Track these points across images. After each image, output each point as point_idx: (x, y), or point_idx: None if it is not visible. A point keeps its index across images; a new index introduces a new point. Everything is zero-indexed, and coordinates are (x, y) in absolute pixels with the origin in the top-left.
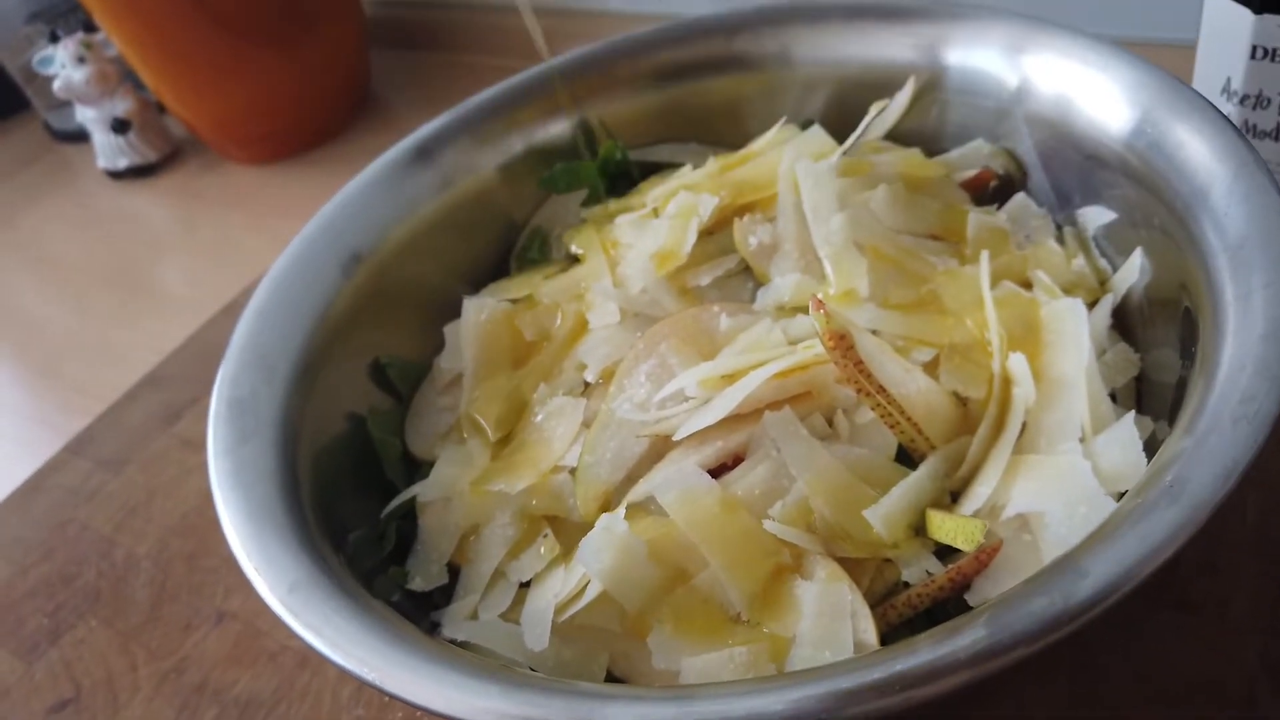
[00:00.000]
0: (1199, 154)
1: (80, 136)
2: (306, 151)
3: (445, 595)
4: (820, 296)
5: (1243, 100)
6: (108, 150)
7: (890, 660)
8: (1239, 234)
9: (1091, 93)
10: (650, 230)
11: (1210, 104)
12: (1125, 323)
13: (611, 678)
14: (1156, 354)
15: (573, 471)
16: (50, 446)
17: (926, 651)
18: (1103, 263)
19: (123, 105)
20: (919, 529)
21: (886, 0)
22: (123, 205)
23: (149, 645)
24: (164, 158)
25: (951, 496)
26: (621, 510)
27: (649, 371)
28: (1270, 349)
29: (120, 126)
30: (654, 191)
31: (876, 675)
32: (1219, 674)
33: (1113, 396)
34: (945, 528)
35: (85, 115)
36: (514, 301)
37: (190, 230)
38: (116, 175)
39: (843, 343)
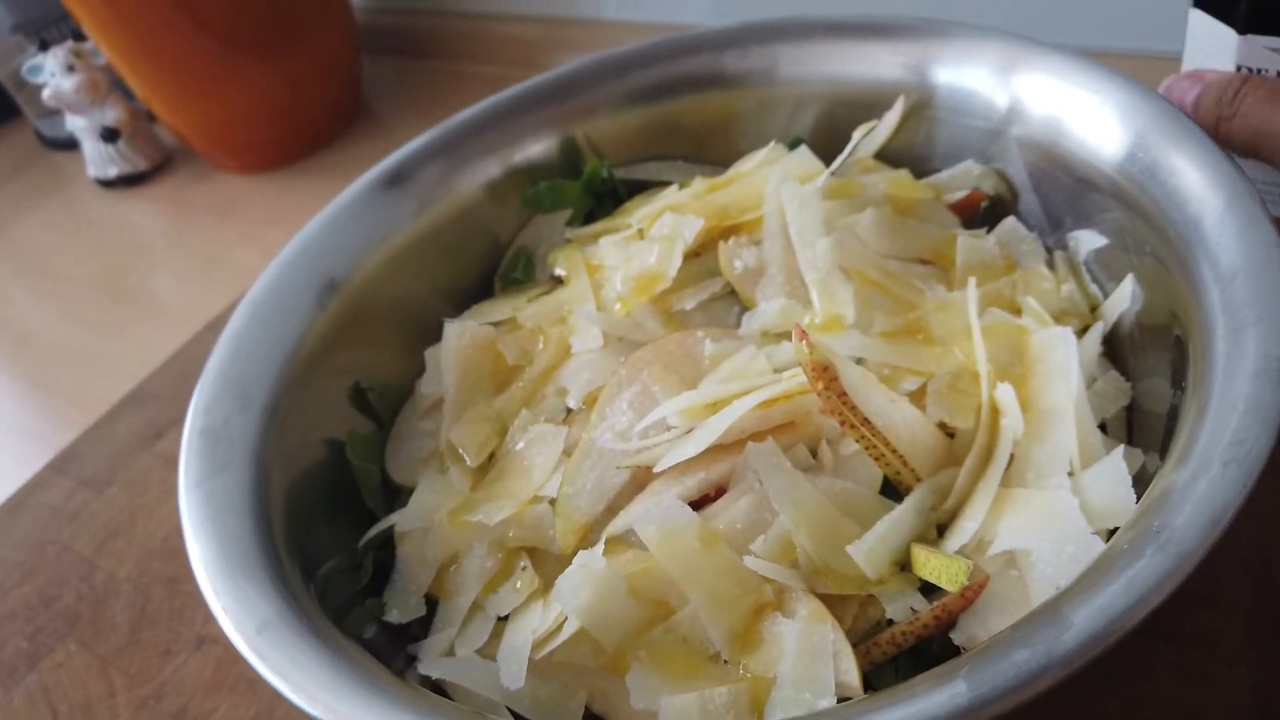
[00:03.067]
0: (1192, 182)
1: (71, 144)
2: (298, 160)
3: (424, 625)
4: (804, 325)
5: None
6: (98, 159)
7: (868, 716)
8: (1231, 266)
9: (1083, 115)
10: (634, 252)
11: (1203, 132)
12: (1116, 350)
13: (590, 715)
14: (1148, 382)
15: (553, 502)
16: (39, 460)
17: (905, 707)
18: (1093, 288)
19: (112, 114)
20: (904, 564)
21: (875, 17)
22: (113, 214)
23: (128, 671)
24: (155, 166)
25: (939, 529)
26: (600, 546)
27: (631, 399)
28: (1261, 388)
29: (110, 135)
30: (639, 211)
31: None
32: (1210, 709)
33: (1103, 426)
34: (930, 566)
35: (75, 124)
36: (496, 324)
37: (181, 239)
38: (107, 184)
39: (826, 374)
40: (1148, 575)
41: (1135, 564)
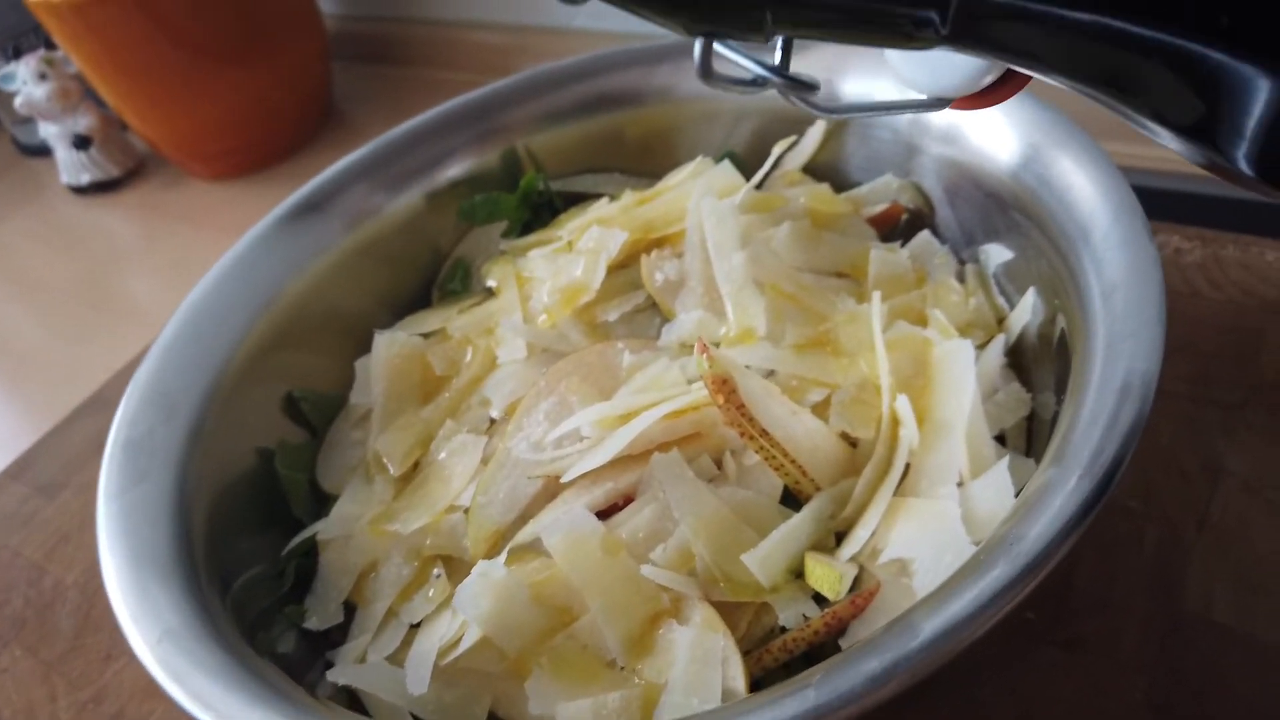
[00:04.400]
0: (1083, 193)
1: (46, 151)
2: (269, 167)
3: (347, 632)
4: (719, 337)
5: None
6: (70, 166)
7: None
8: (1112, 280)
9: (979, 125)
10: (562, 264)
11: (1094, 143)
12: (1021, 361)
13: (495, 719)
14: (1048, 394)
15: (467, 511)
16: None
17: (755, 714)
18: (1001, 301)
19: (84, 121)
20: (801, 572)
21: None
22: (86, 220)
23: (69, 675)
24: (127, 173)
25: (840, 538)
26: (503, 555)
27: (548, 410)
28: (1123, 405)
29: (82, 143)
30: (570, 224)
31: None
32: (1105, 714)
33: (1002, 437)
34: (815, 574)
35: (48, 131)
36: (428, 335)
37: (152, 246)
38: (80, 190)
39: (725, 387)
40: (995, 586)
41: (987, 574)
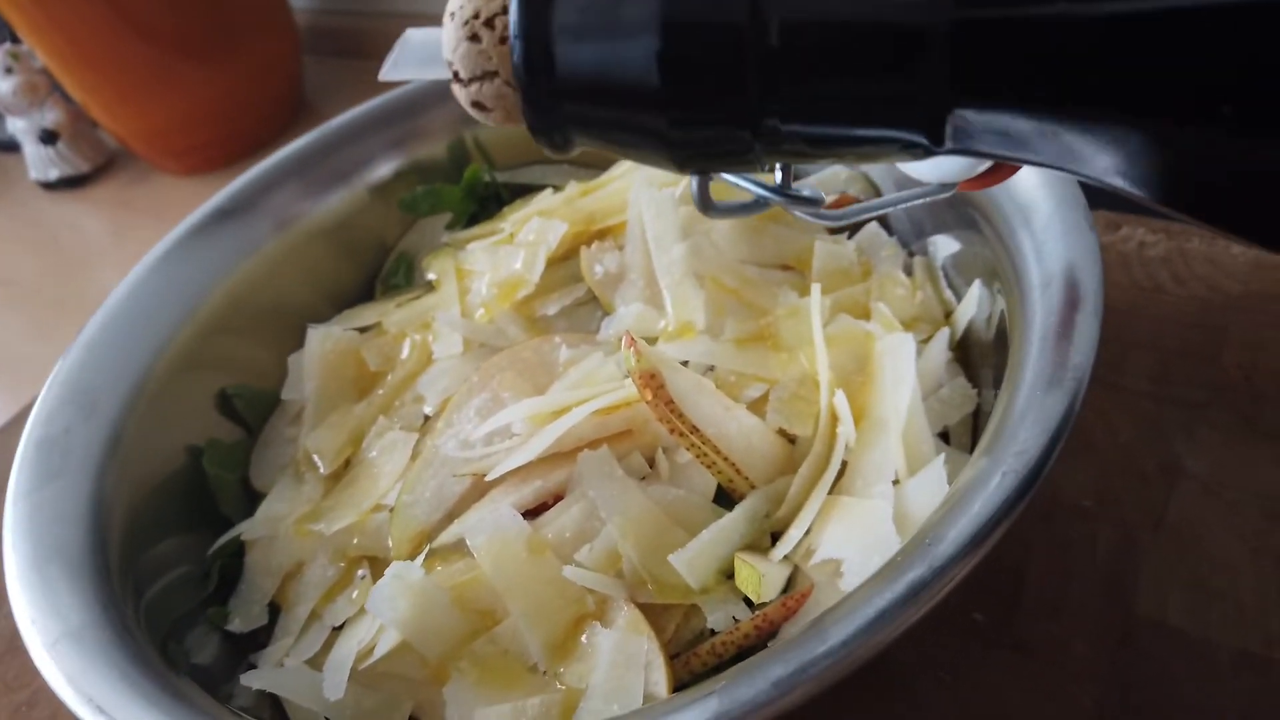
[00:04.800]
0: (1026, 182)
1: (15, 146)
2: (240, 161)
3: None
4: (657, 330)
5: None
6: (38, 161)
7: None
8: (1050, 271)
9: None
10: (502, 257)
11: None
12: (969, 357)
13: None
14: (992, 390)
15: (392, 510)
16: None
17: None
18: (949, 294)
19: (51, 116)
20: (733, 573)
21: None
22: (54, 216)
23: (4, 677)
24: (96, 168)
25: (776, 539)
26: (421, 556)
27: (479, 406)
28: (1051, 399)
29: (49, 137)
30: (514, 216)
31: None
32: None
33: (946, 434)
34: (741, 575)
35: (15, 126)
36: (364, 329)
37: (120, 242)
38: (48, 186)
39: (653, 381)
40: (908, 591)
41: (902, 578)
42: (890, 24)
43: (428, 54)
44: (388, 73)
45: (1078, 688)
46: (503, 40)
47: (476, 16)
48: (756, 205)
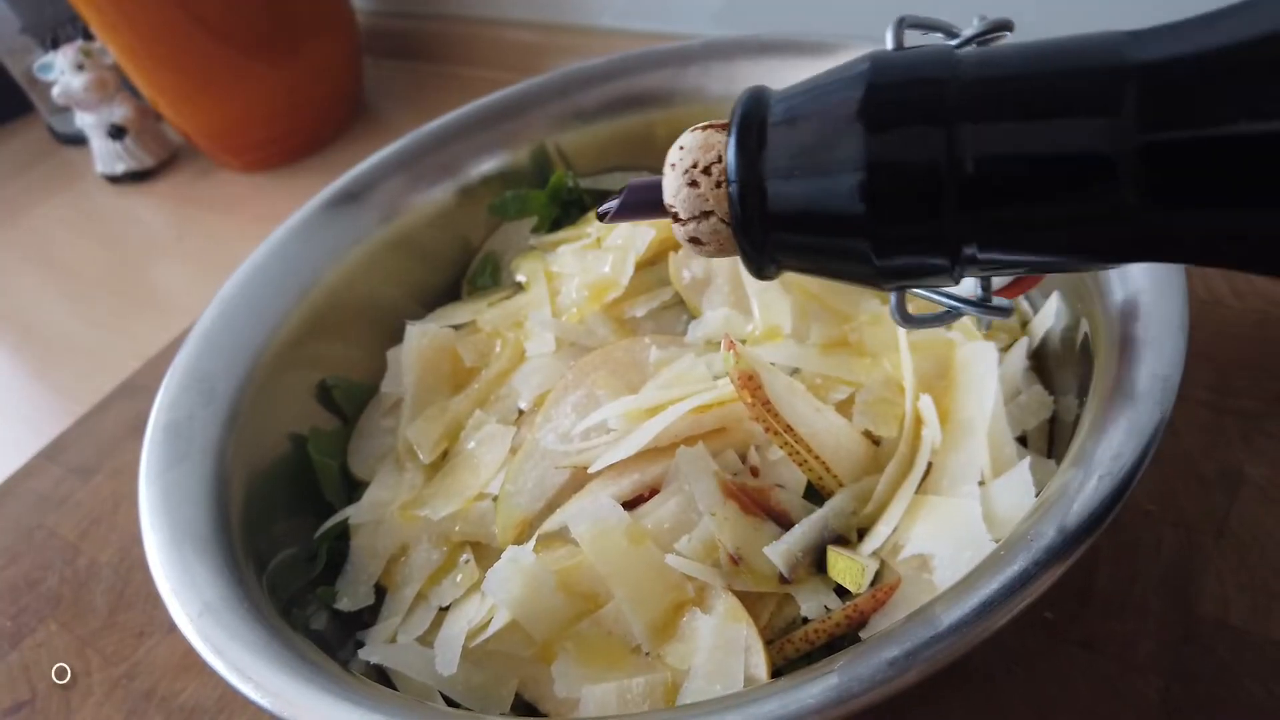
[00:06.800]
0: None
1: (82, 140)
2: (300, 159)
3: (376, 614)
4: (745, 334)
5: None
6: (105, 155)
7: (746, 704)
8: (1136, 286)
9: None
10: (590, 261)
11: None
12: (1044, 365)
13: (521, 701)
14: (1068, 398)
15: (496, 499)
16: (32, 448)
17: (781, 697)
18: (1025, 306)
19: (120, 112)
20: (823, 565)
21: (830, 36)
22: (120, 209)
23: (104, 651)
24: (161, 164)
25: (862, 535)
26: (531, 542)
27: (575, 402)
28: (1142, 407)
29: (117, 133)
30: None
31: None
32: (1119, 715)
33: (1024, 439)
34: (838, 567)
35: (84, 121)
36: (458, 327)
37: (183, 236)
38: (114, 180)
39: (751, 382)
40: (1014, 580)
41: (1007, 569)
42: (1074, 156)
43: (649, 197)
44: (611, 216)
45: (1143, 681)
46: (718, 185)
47: (695, 166)
48: (949, 315)
